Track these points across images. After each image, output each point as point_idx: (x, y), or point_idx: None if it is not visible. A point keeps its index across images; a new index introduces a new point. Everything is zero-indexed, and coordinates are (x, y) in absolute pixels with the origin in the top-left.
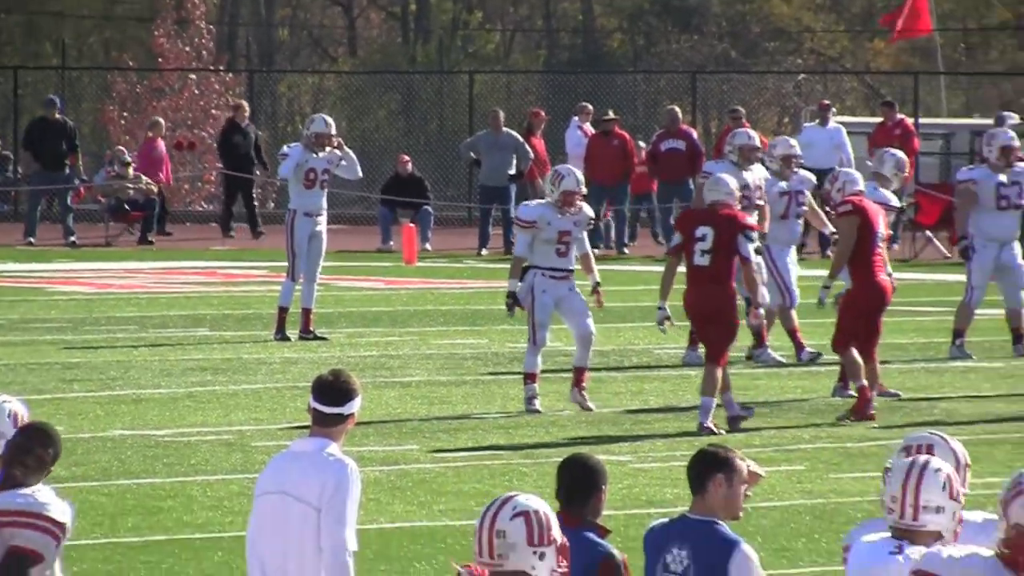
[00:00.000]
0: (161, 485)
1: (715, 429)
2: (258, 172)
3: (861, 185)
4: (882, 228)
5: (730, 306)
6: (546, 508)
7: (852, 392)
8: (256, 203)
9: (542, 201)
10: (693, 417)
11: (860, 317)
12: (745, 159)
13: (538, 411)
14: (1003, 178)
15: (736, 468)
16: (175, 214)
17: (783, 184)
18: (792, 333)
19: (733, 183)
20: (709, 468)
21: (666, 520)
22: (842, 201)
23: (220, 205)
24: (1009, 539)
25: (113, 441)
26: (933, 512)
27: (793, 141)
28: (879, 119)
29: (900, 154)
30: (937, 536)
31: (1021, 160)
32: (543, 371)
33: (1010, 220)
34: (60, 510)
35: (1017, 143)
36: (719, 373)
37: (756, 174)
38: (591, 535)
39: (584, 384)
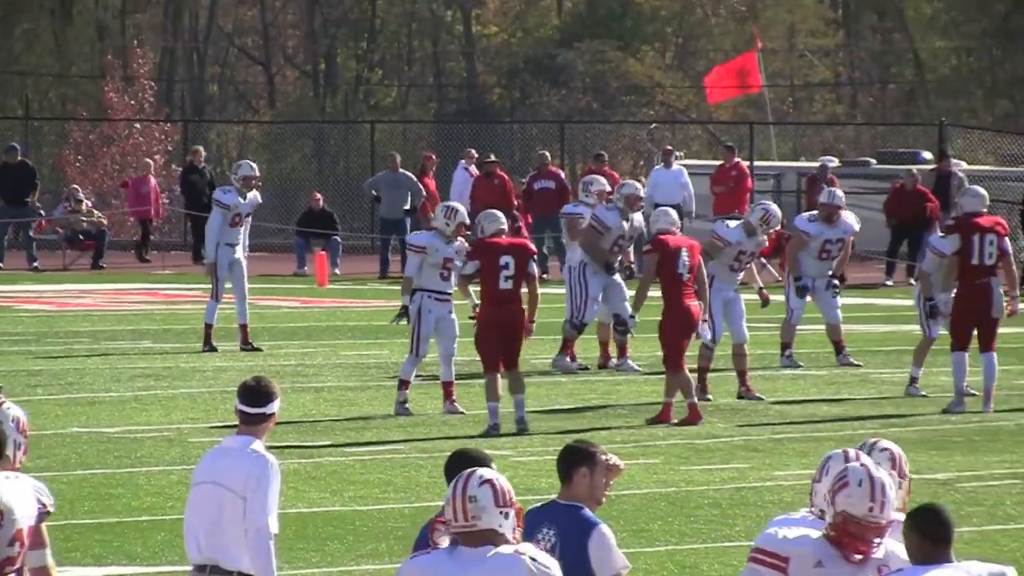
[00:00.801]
0: (112, 475)
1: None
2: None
3: (674, 221)
4: (686, 259)
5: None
6: (504, 479)
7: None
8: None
9: (431, 231)
10: (565, 417)
11: (681, 337)
12: (630, 207)
13: (409, 413)
14: (830, 235)
15: (598, 461)
16: (119, 243)
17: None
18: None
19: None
20: (575, 461)
21: (539, 504)
22: (650, 240)
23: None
24: (836, 524)
25: (71, 437)
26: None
27: (639, 185)
28: (720, 161)
29: (774, 209)
30: None
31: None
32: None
33: (827, 265)
34: None
35: (843, 202)
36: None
37: (636, 221)
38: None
39: (453, 395)
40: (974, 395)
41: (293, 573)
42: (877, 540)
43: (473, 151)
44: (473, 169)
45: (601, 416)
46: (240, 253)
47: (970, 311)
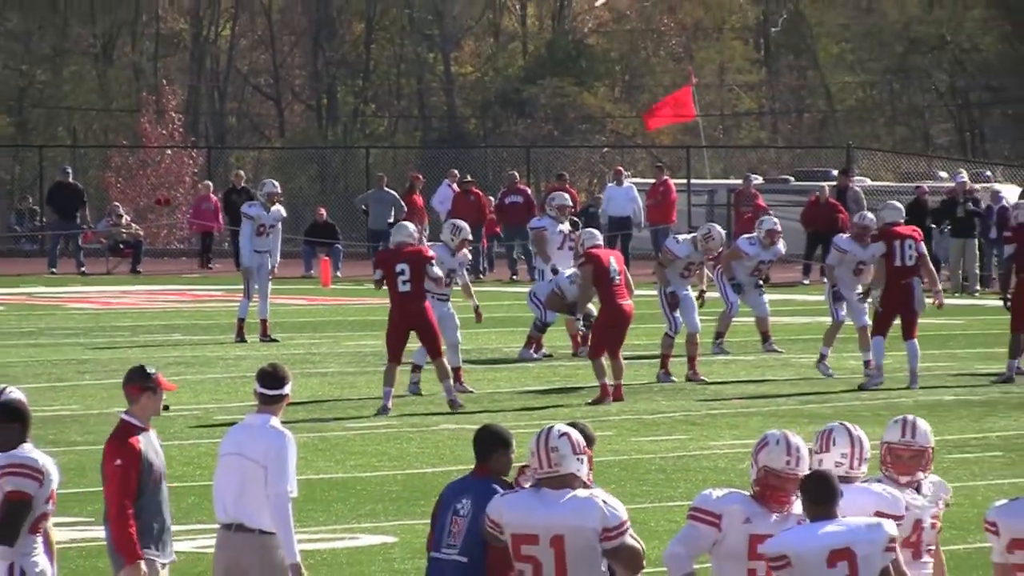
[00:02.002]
0: None
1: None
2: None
3: (599, 240)
4: (615, 266)
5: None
6: (575, 432)
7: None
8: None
9: (440, 244)
10: (533, 397)
11: (608, 331)
12: (562, 213)
13: (420, 393)
14: (764, 256)
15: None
16: (154, 251)
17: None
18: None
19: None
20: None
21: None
22: (582, 253)
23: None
24: (760, 479)
25: (115, 416)
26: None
27: (567, 196)
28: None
29: (717, 229)
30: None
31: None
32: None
33: (756, 277)
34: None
35: (779, 228)
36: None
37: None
38: (494, 483)
39: (462, 378)
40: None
41: (303, 530)
42: (794, 495)
43: (456, 171)
44: (455, 186)
45: (564, 396)
46: (265, 258)
47: (894, 305)
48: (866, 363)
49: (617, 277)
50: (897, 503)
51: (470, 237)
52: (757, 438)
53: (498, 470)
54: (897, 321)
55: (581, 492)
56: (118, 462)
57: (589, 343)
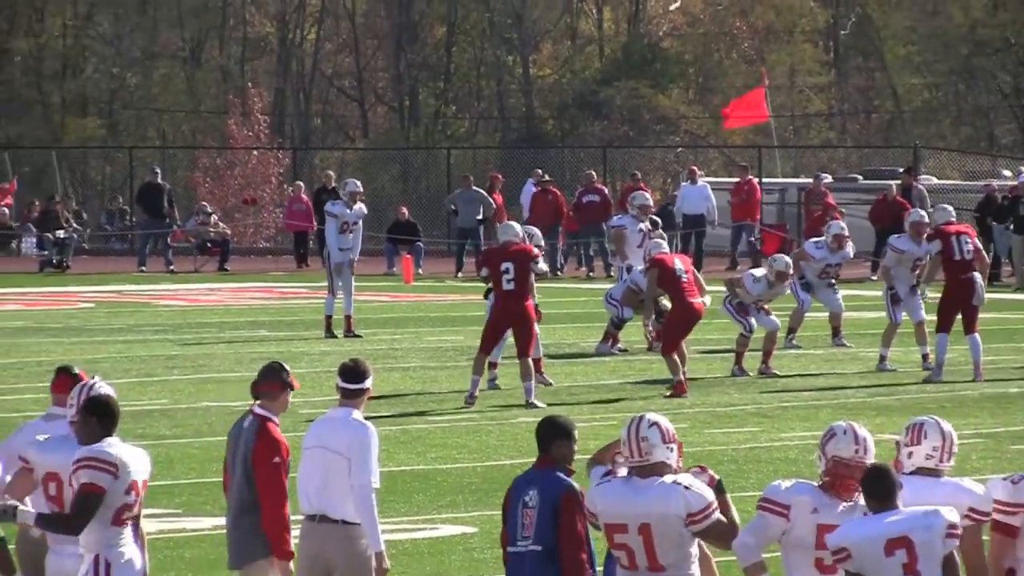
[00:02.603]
0: None
1: (538, 404)
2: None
3: (664, 248)
4: (680, 266)
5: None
6: (666, 419)
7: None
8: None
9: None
10: (610, 390)
11: (681, 328)
12: (644, 213)
13: (498, 387)
14: (832, 260)
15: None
16: (240, 249)
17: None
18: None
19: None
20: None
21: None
22: (648, 260)
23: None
24: (828, 469)
25: (202, 410)
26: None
27: (647, 196)
28: (736, 179)
29: (783, 260)
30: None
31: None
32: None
33: (825, 279)
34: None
35: (847, 233)
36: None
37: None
38: (559, 473)
39: (542, 368)
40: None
41: (385, 520)
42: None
43: (540, 171)
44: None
45: (639, 389)
46: (350, 256)
47: (955, 300)
48: (924, 356)
49: (684, 275)
50: (988, 499)
51: (542, 243)
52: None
53: (560, 459)
54: (959, 316)
55: (666, 479)
56: (276, 460)
57: (662, 339)
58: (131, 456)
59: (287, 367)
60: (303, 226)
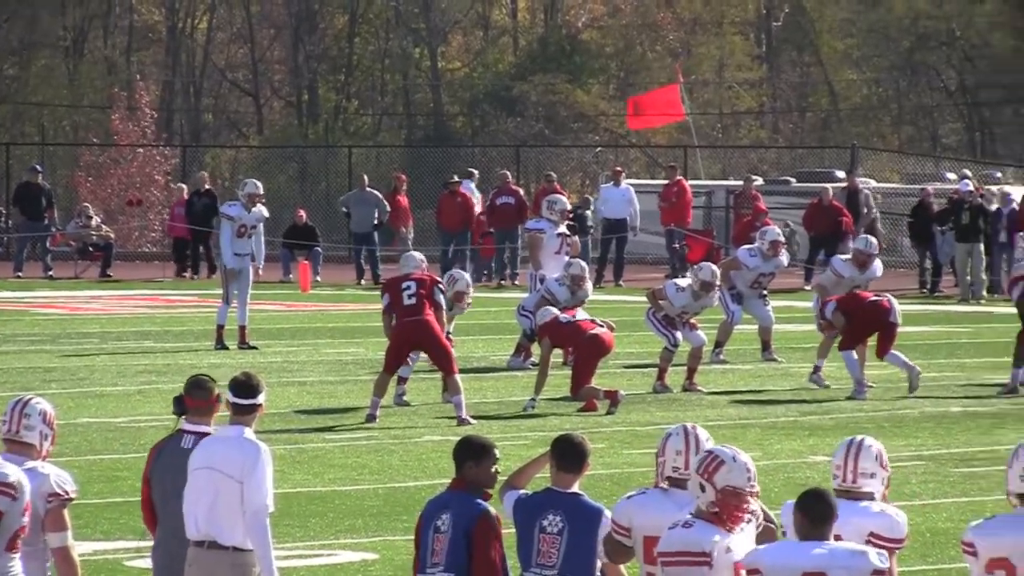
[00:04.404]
0: (119, 459)
1: (470, 420)
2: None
3: (552, 312)
4: (565, 317)
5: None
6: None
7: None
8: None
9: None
10: (522, 407)
11: (591, 364)
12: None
13: (407, 403)
14: (765, 268)
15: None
16: (125, 254)
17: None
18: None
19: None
20: (583, 455)
21: (530, 492)
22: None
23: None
24: (716, 500)
25: (82, 426)
26: (868, 477)
27: (566, 200)
28: (664, 181)
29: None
30: (870, 496)
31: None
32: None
33: (757, 289)
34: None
35: (783, 239)
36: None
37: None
38: (476, 497)
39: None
40: (871, 386)
41: (280, 546)
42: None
43: (475, 171)
44: (473, 187)
45: (552, 405)
46: (247, 262)
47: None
48: (816, 369)
49: (572, 319)
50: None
51: (469, 290)
52: (755, 451)
53: (475, 482)
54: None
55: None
56: None
57: (571, 383)
58: (23, 475)
59: (213, 379)
60: (186, 230)
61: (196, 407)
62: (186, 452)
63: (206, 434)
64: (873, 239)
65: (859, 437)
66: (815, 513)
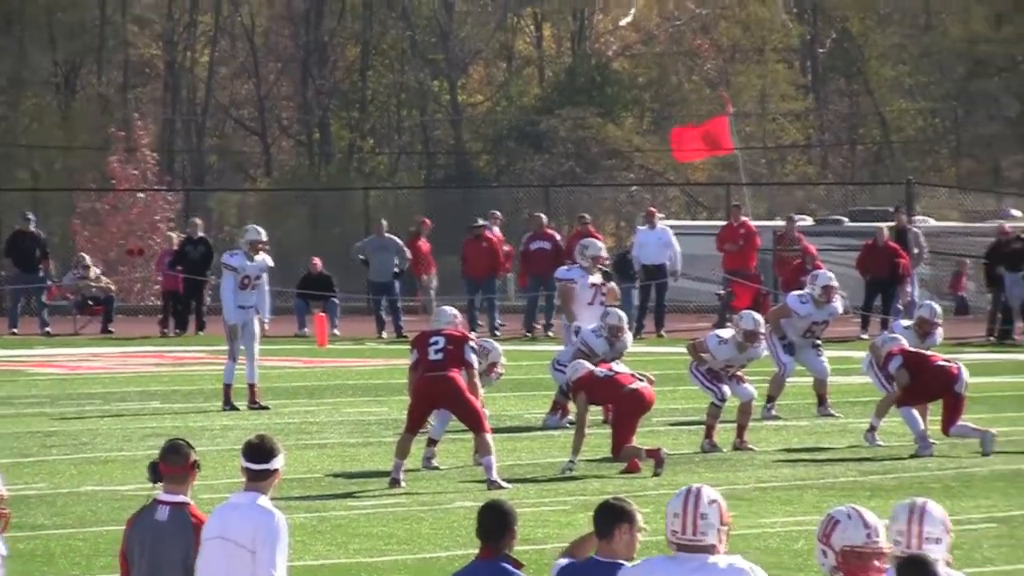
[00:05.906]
0: None
1: (502, 484)
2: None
3: (585, 366)
4: (601, 372)
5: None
6: (722, 499)
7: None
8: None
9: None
10: (560, 468)
11: (630, 420)
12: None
13: (436, 468)
14: (818, 316)
15: (636, 519)
16: (127, 308)
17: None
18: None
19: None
20: (616, 518)
21: (569, 561)
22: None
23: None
24: (839, 564)
25: (86, 495)
26: (934, 543)
27: (601, 245)
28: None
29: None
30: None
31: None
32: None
33: (809, 339)
34: None
35: (836, 283)
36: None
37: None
38: (507, 565)
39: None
40: (935, 443)
41: None
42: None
43: (498, 213)
44: (497, 230)
45: (592, 467)
46: (252, 314)
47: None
48: (872, 428)
49: (610, 373)
50: None
51: (501, 360)
52: (813, 514)
53: (504, 549)
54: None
55: (725, 558)
56: None
57: (612, 442)
58: None
59: (191, 444)
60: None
61: (171, 474)
62: (160, 524)
63: (183, 504)
64: (937, 307)
65: (920, 500)
66: None
